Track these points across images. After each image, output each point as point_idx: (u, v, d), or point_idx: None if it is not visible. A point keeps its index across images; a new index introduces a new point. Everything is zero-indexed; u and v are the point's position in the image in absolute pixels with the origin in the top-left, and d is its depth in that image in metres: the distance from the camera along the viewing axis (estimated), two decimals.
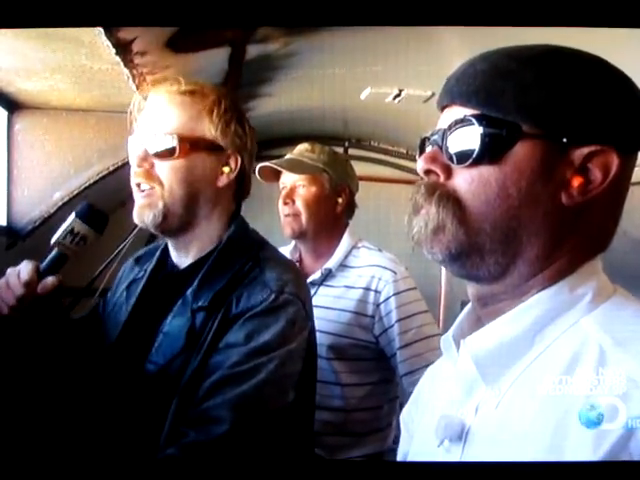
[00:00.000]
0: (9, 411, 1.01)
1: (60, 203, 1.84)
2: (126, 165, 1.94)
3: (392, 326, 1.44)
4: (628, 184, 0.62)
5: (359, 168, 2.56)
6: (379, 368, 1.49)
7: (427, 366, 1.41)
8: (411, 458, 0.73)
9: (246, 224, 1.07)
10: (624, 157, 0.59)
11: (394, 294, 1.44)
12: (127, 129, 2.05)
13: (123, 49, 1.22)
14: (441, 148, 0.62)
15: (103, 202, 2.18)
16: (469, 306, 0.68)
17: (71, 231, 0.99)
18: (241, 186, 1.05)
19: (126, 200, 2.38)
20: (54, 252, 1.00)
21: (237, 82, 1.63)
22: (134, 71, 1.35)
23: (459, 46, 1.47)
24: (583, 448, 0.54)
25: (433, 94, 1.86)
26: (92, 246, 1.04)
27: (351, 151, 2.61)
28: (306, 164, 1.53)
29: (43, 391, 1.04)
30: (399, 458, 0.77)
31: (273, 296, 0.94)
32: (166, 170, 0.98)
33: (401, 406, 1.77)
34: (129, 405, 0.95)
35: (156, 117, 0.99)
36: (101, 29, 1.14)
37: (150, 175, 0.99)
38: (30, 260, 0.99)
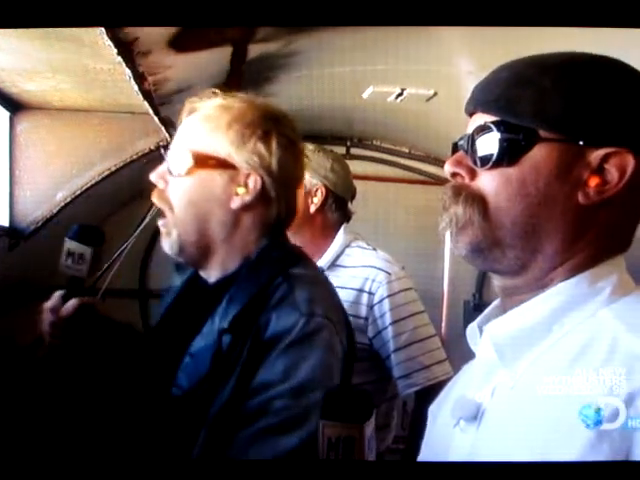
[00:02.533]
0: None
1: (63, 203, 1.85)
2: (128, 165, 1.96)
3: (386, 328, 1.42)
4: None
5: (362, 167, 2.57)
6: (375, 368, 1.47)
7: (421, 369, 1.42)
8: (429, 440, 0.76)
9: (282, 239, 0.98)
10: None
11: (388, 296, 1.43)
12: (131, 129, 2.05)
13: (125, 49, 1.22)
14: (466, 152, 0.67)
15: (105, 203, 2.19)
16: (497, 300, 0.72)
17: (68, 252, 1.00)
18: (267, 212, 0.94)
19: (128, 201, 2.40)
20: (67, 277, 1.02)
21: (238, 82, 1.63)
22: (136, 71, 1.35)
23: (461, 45, 1.46)
24: (575, 432, 0.56)
25: (435, 93, 1.86)
26: None
27: (354, 150, 2.61)
28: None
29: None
30: (422, 447, 0.79)
31: (304, 320, 0.87)
32: (176, 190, 0.93)
33: (404, 405, 1.77)
34: (153, 430, 0.90)
35: (181, 132, 0.95)
36: (102, 29, 1.14)
37: (162, 196, 0.94)
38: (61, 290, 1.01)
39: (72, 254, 0.99)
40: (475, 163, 0.66)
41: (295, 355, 0.86)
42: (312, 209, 1.50)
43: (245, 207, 0.92)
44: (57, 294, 1.00)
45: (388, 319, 1.43)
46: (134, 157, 1.94)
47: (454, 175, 0.68)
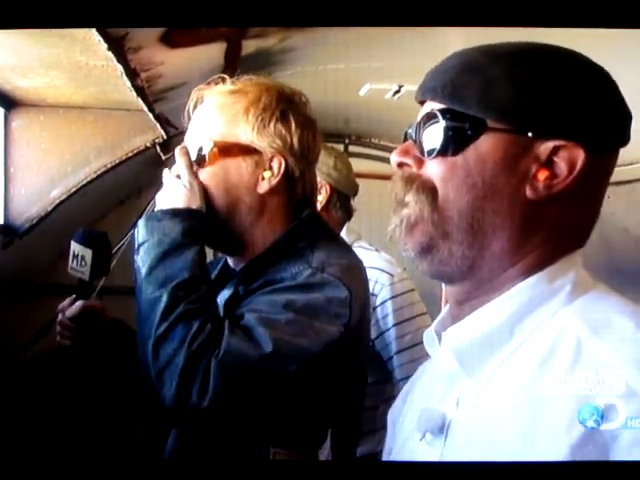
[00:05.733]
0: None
1: (57, 201, 1.84)
2: (124, 163, 1.95)
3: (388, 330, 1.43)
4: (602, 183, 0.63)
5: (361, 165, 2.55)
6: (375, 369, 1.47)
7: None
8: (395, 454, 0.74)
9: (321, 219, 1.01)
10: (593, 155, 0.59)
11: (391, 297, 1.43)
12: (127, 126, 2.03)
13: (115, 44, 1.21)
14: (415, 141, 0.65)
15: (101, 201, 2.18)
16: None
17: (73, 255, 1.03)
18: (292, 192, 0.96)
19: (124, 199, 2.39)
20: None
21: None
22: (127, 67, 1.34)
23: (459, 41, 1.44)
24: (554, 436, 0.54)
25: None
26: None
27: (352, 148, 2.59)
28: None
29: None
30: (384, 455, 0.77)
31: (310, 271, 0.88)
32: (203, 178, 0.94)
33: None
34: None
35: (198, 121, 0.96)
36: None
37: None
38: None
39: (76, 256, 1.02)
40: (422, 153, 0.63)
41: (292, 295, 0.86)
42: (317, 207, 1.49)
43: (271, 190, 0.93)
44: (70, 297, 1.04)
45: (391, 321, 1.43)
46: (130, 154, 1.93)
47: (401, 165, 0.65)
